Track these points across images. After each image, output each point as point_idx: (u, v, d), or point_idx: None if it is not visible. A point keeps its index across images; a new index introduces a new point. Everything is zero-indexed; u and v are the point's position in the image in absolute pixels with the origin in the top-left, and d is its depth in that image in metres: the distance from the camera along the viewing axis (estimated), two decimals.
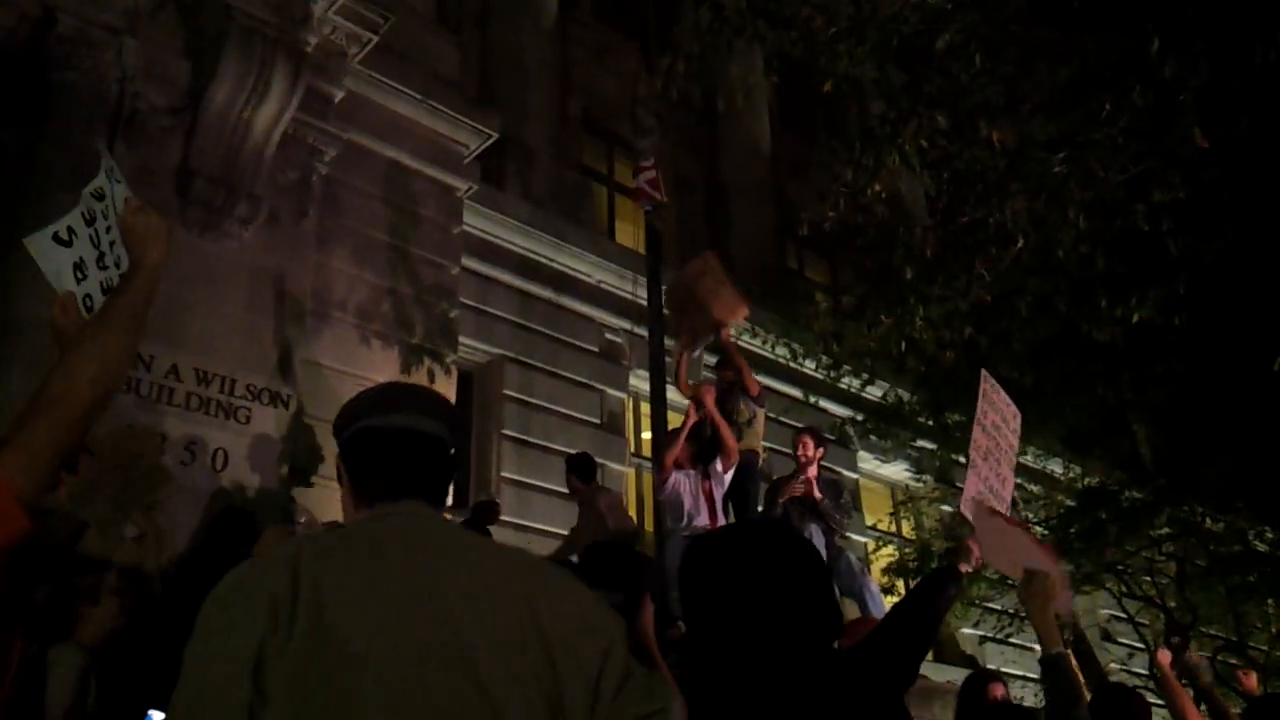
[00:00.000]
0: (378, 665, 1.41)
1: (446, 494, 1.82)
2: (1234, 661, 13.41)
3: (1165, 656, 5.18)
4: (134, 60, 8.05)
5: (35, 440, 1.60)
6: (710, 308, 7.40)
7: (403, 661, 1.43)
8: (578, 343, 12.26)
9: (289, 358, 8.59)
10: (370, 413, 1.85)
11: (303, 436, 8.59)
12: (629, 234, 13.82)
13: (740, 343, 11.01)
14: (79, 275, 2.34)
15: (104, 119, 7.87)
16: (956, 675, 12.00)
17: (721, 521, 7.30)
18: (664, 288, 8.77)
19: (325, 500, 8.28)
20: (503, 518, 9.40)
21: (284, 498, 7.97)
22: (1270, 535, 11.83)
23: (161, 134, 8.18)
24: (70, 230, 2.37)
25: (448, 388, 9.90)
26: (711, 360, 8.36)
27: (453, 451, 1.87)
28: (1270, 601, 12.46)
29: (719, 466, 7.33)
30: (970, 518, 4.52)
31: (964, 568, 3.97)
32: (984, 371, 4.87)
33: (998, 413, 4.78)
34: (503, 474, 10.79)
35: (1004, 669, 13.15)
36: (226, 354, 8.19)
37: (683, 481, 7.26)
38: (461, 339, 10.56)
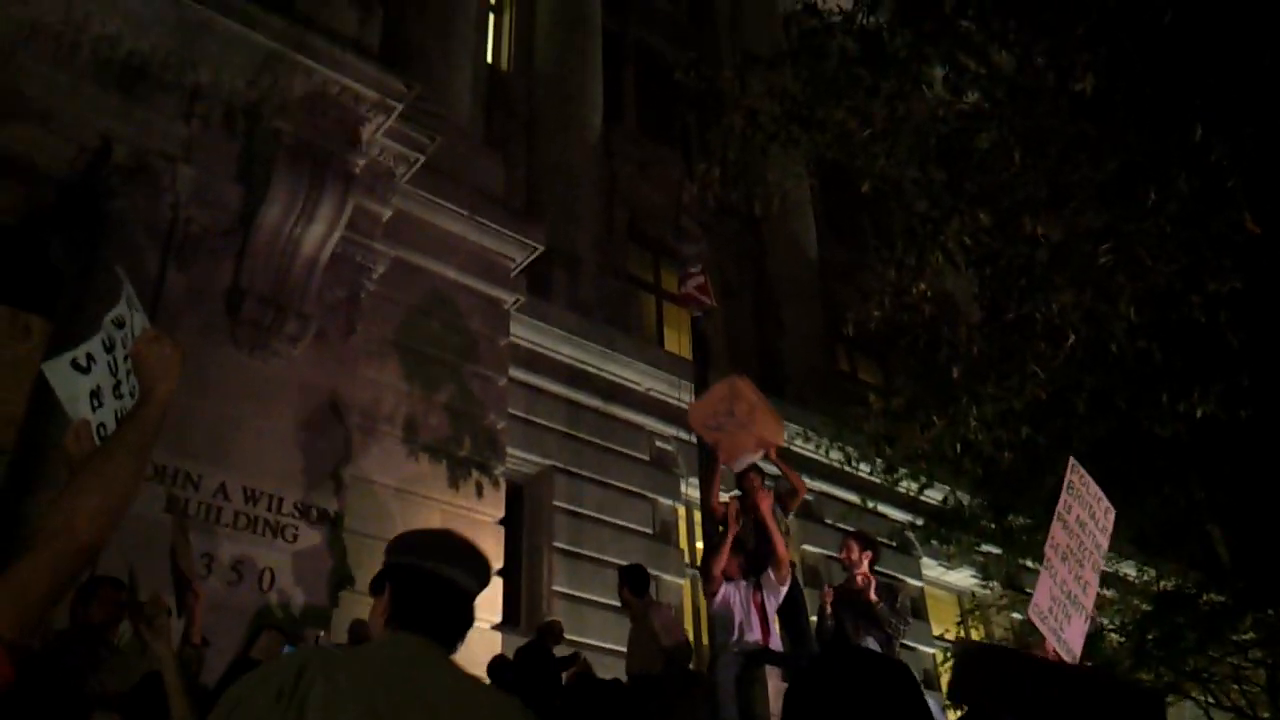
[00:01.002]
0: None
1: (462, 638, 2.08)
2: None
3: None
4: (186, 185, 8.31)
5: (28, 578, 1.53)
6: (752, 430, 7.27)
7: None
8: (628, 451, 12.15)
9: (336, 474, 8.61)
10: (431, 556, 2.13)
11: (349, 553, 8.53)
12: (676, 341, 13.82)
13: (793, 447, 10.84)
14: (95, 403, 2.32)
15: (157, 243, 8.11)
16: None
17: (774, 634, 7.04)
18: (690, 404, 8.65)
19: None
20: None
21: (328, 614, 7.87)
22: None
23: (213, 256, 8.39)
24: (89, 357, 2.35)
25: (496, 499, 9.83)
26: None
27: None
28: None
29: (772, 577, 7.09)
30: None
31: None
32: (1072, 460, 4.53)
33: (1084, 507, 4.47)
34: (554, 587, 10.60)
35: None
36: (274, 472, 8.22)
37: (733, 594, 7.03)
38: (510, 450, 10.52)
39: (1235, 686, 12.47)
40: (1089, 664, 6.70)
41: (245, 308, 8.38)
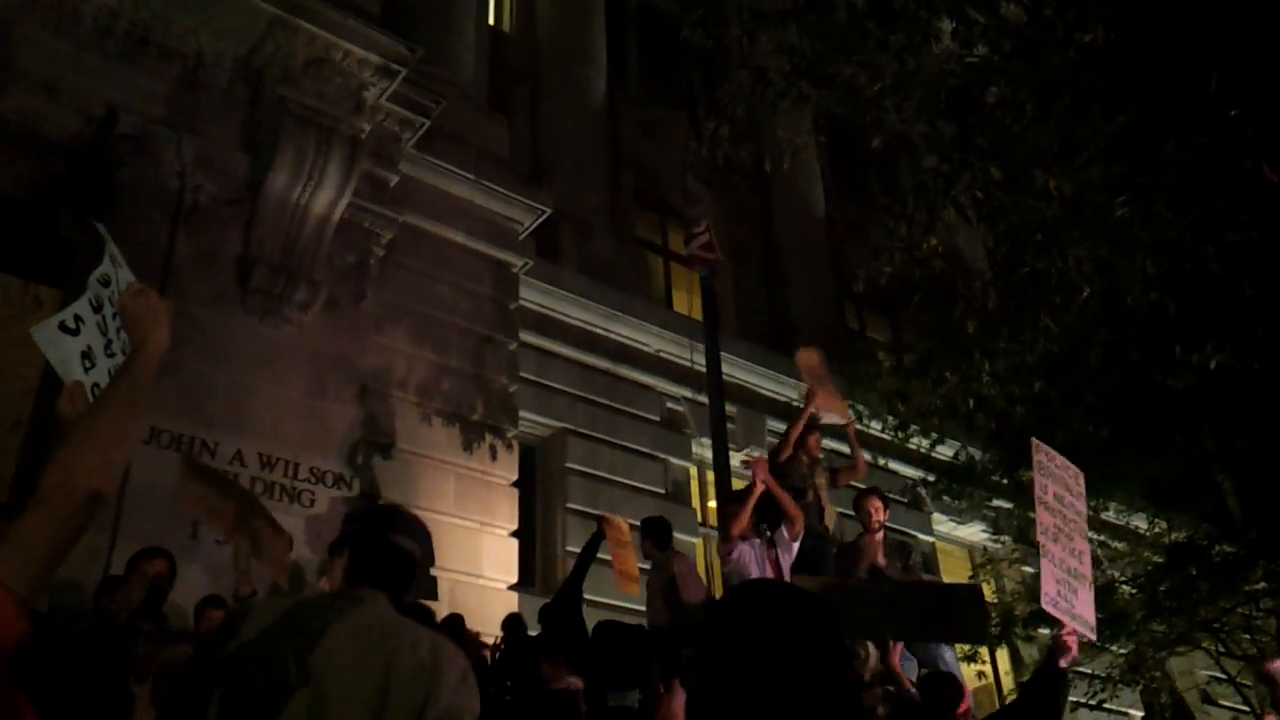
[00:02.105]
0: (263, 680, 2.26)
1: (408, 589, 2.60)
2: None
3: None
4: (192, 154, 8.29)
5: (31, 536, 1.53)
6: (838, 399, 7.71)
7: (273, 684, 2.25)
8: (639, 412, 12.18)
9: (351, 439, 8.65)
10: (383, 526, 2.63)
11: None
12: (685, 302, 13.80)
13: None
14: (87, 364, 2.31)
15: (165, 212, 8.10)
16: None
17: None
18: (803, 350, 8.78)
19: None
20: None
21: None
22: None
23: (221, 224, 8.39)
24: (78, 318, 2.34)
25: (509, 462, 9.88)
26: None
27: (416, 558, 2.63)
28: None
29: (785, 534, 7.12)
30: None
31: (1063, 664, 3.83)
32: (1034, 441, 4.57)
33: (1058, 482, 4.52)
34: (568, 548, 10.66)
35: None
36: (290, 438, 8.27)
37: (748, 551, 7.06)
38: (522, 413, 10.55)
39: (1246, 636, 12.54)
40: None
41: (255, 275, 8.39)
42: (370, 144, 9.11)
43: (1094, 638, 4.18)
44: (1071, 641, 3.96)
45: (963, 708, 4.89)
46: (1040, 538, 4.21)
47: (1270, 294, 6.92)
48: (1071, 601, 4.15)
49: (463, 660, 2.43)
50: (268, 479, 8.02)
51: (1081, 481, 4.60)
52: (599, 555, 8.07)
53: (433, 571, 8.87)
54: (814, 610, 1.51)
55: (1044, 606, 4.05)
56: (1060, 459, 4.59)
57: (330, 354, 8.80)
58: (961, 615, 5.78)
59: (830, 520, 7.98)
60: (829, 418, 7.91)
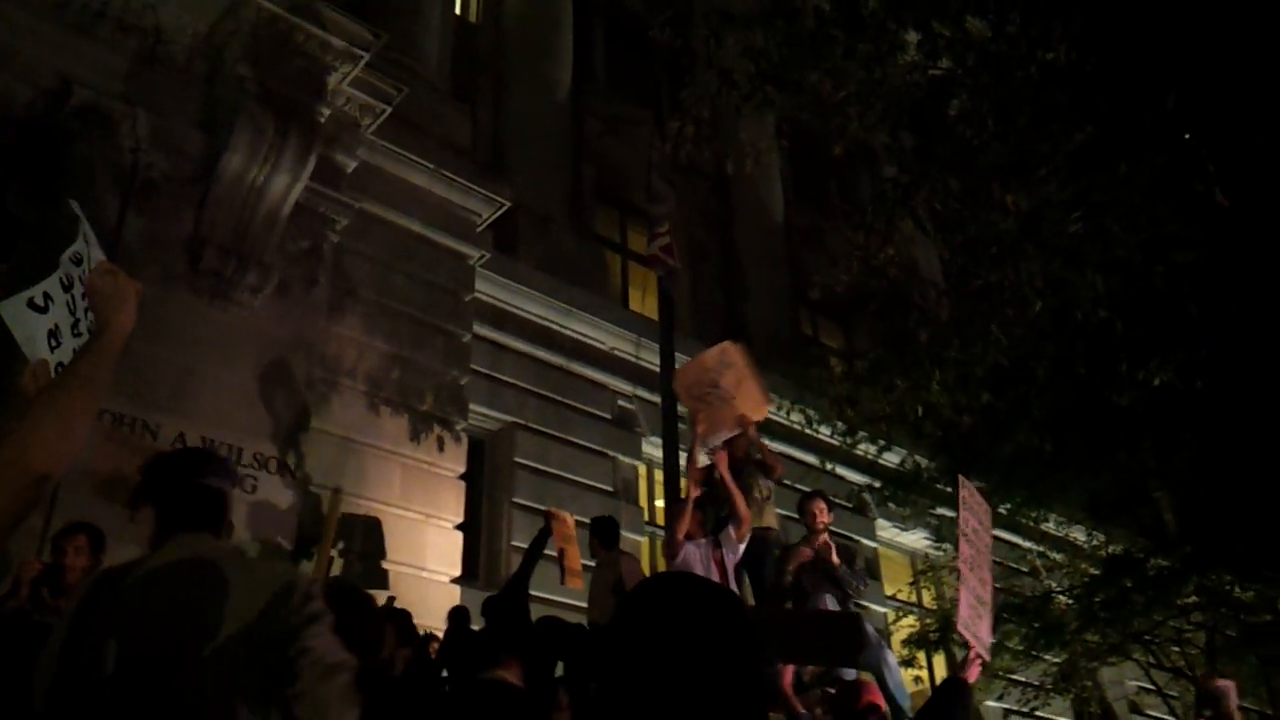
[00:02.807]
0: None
1: (222, 521, 2.48)
2: None
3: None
4: (148, 130, 8.13)
5: None
6: (735, 403, 7.17)
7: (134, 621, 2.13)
8: (591, 409, 12.15)
9: (297, 426, 8.53)
10: (189, 471, 2.51)
11: (310, 505, 8.49)
12: (641, 301, 13.80)
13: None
14: (53, 343, 2.27)
15: (117, 189, 7.93)
16: None
17: (733, 589, 7.10)
18: (678, 367, 8.59)
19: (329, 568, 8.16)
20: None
21: None
22: None
23: (173, 203, 8.23)
24: (46, 296, 2.29)
25: (457, 454, 9.81)
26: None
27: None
28: None
29: (732, 534, 7.14)
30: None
31: (969, 678, 4.02)
32: (960, 477, 4.92)
33: (976, 517, 4.84)
34: (513, 543, 10.62)
35: None
36: (234, 422, 8.13)
37: (693, 552, 7.06)
38: (473, 406, 10.49)
39: (1176, 648, 12.83)
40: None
41: (206, 257, 8.24)
42: (329, 128, 8.99)
43: (989, 659, 4.51)
44: (979, 662, 4.19)
45: (868, 701, 5.00)
46: (961, 565, 4.50)
47: (1215, 315, 7.08)
48: (978, 626, 4.44)
49: (317, 604, 2.26)
50: None
51: (990, 517, 4.94)
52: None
53: (377, 563, 8.81)
54: (723, 604, 1.51)
55: (958, 628, 4.34)
56: (979, 496, 4.91)
57: (280, 339, 8.67)
58: (840, 640, 6.03)
59: (770, 520, 7.97)
60: (716, 438, 7.38)
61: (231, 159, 8.28)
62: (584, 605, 8.06)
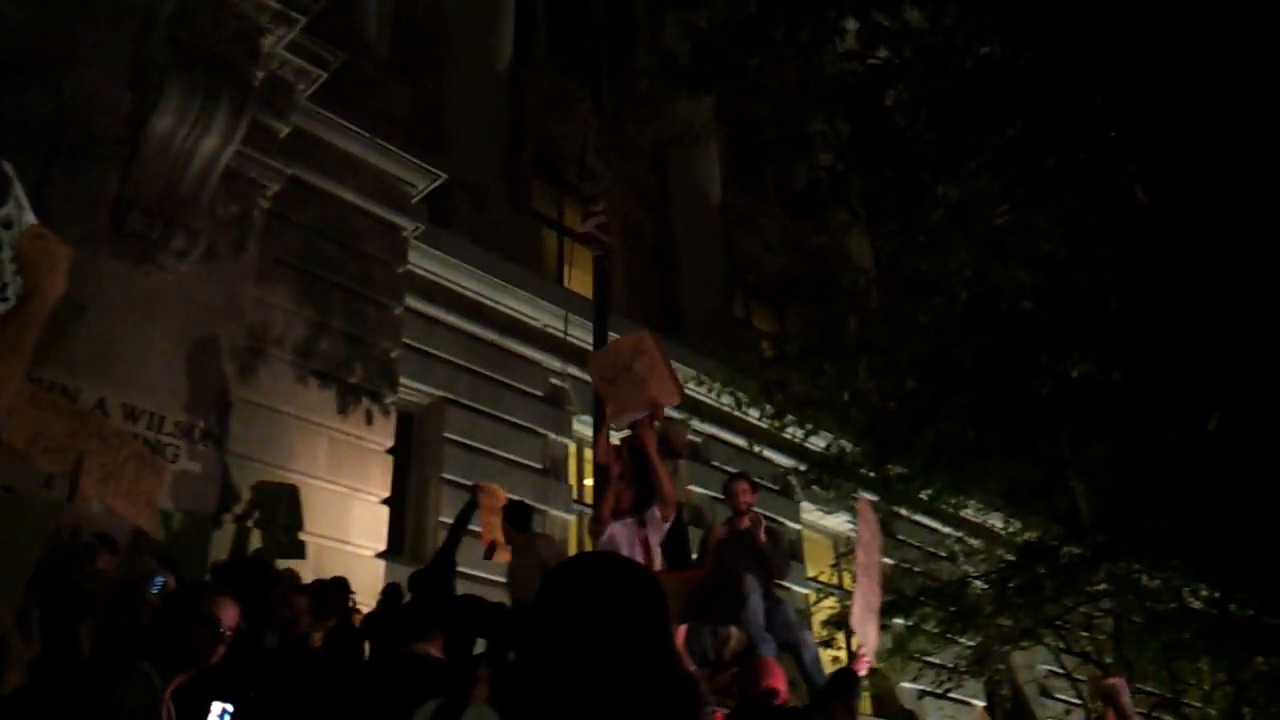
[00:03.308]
0: None
1: None
2: (1169, 718, 13.45)
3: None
4: (74, 87, 7.89)
5: None
6: (647, 387, 7.22)
7: None
8: (522, 386, 12.13)
9: (221, 395, 8.39)
10: None
11: (232, 475, 8.37)
12: (577, 279, 13.78)
13: (686, 389, 10.96)
14: None
15: (39, 146, 7.69)
16: None
17: (657, 568, 7.16)
18: (594, 352, 8.61)
19: (251, 540, 8.08)
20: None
21: (208, 536, 7.73)
22: (1205, 593, 11.90)
23: (99, 163, 8.02)
24: None
25: (386, 428, 9.74)
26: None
27: None
28: (1204, 659, 12.52)
29: (657, 514, 7.20)
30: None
31: (860, 672, 4.34)
32: (860, 494, 5.41)
33: (869, 529, 5.35)
34: (441, 518, 10.57)
35: None
36: (157, 389, 7.98)
37: (619, 530, 7.11)
38: (403, 380, 10.41)
39: (1085, 634, 13.23)
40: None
41: (131, 219, 8.05)
42: (263, 92, 8.81)
43: (874, 662, 5.03)
44: (866, 661, 4.67)
45: (766, 685, 5.15)
46: (857, 569, 4.92)
47: (1134, 310, 7.28)
48: (867, 629, 4.86)
49: None
50: (131, 431, 7.71)
51: (880, 533, 5.45)
52: (469, 526, 8.05)
53: (300, 536, 8.72)
54: (638, 583, 1.54)
55: (850, 623, 4.75)
56: (872, 512, 5.48)
57: (206, 305, 8.51)
58: (719, 600, 6.29)
59: (681, 494, 8.09)
60: (624, 419, 7.45)
61: (160, 119, 8.08)
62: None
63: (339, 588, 7.14)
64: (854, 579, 4.99)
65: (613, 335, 9.25)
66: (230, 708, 3.71)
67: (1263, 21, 5.92)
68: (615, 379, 7.11)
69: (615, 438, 7.97)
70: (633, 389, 7.07)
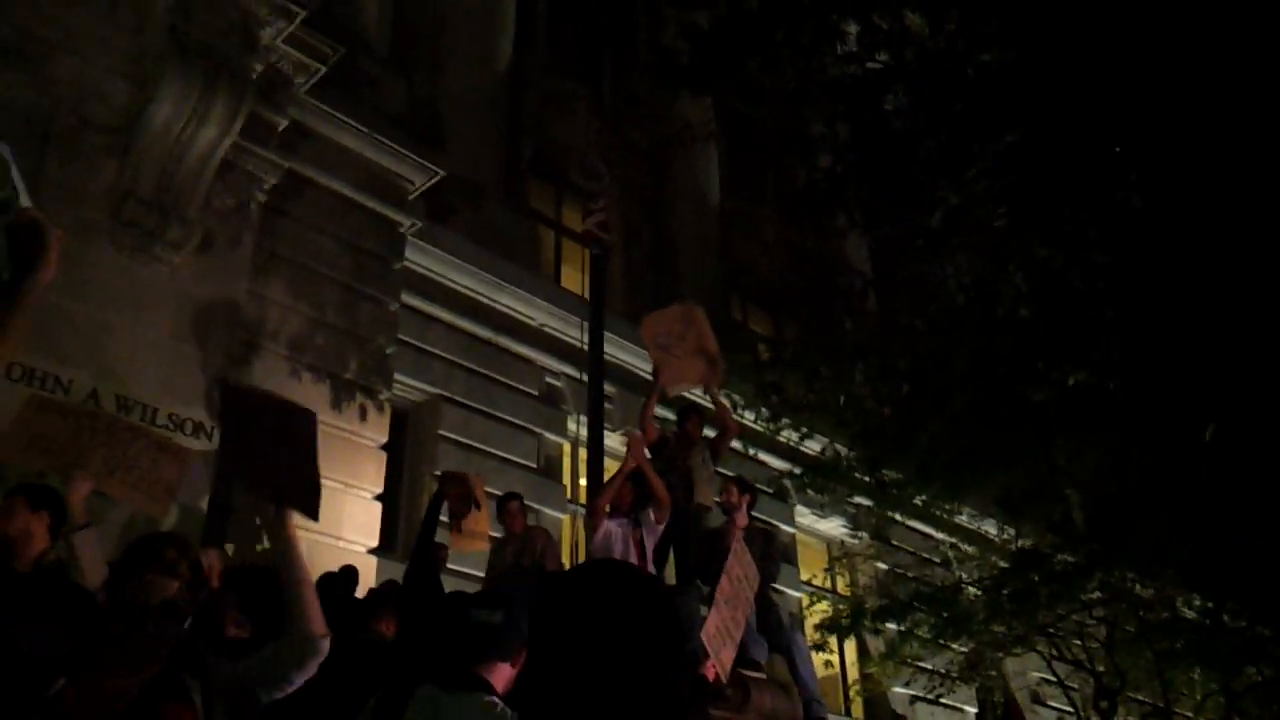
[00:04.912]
0: None
1: None
2: None
3: None
4: (71, 75, 7.86)
5: None
6: (700, 362, 7.28)
7: None
8: (517, 385, 12.10)
9: (215, 388, 8.35)
10: None
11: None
12: (574, 279, 13.71)
13: (680, 393, 10.96)
14: None
15: (35, 134, 7.66)
16: None
17: (650, 569, 7.15)
18: (647, 315, 8.59)
19: (241, 534, 8.05)
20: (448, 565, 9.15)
21: (198, 531, 7.69)
22: (1198, 603, 11.91)
23: (95, 153, 7.99)
24: None
25: (380, 424, 9.70)
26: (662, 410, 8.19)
27: None
28: (1196, 669, 12.52)
29: (652, 516, 7.19)
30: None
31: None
32: (737, 533, 6.14)
33: (744, 569, 5.78)
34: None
35: None
36: (150, 381, 7.94)
37: (615, 530, 7.11)
38: (397, 376, 10.38)
39: (1078, 641, 13.22)
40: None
41: (127, 209, 8.01)
42: (260, 84, 8.78)
43: (725, 680, 5.28)
44: (711, 673, 5.13)
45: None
46: (718, 595, 5.31)
47: (1130, 317, 7.26)
48: (722, 649, 5.24)
49: None
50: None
51: (756, 583, 5.86)
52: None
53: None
54: (646, 592, 1.51)
55: (701, 638, 5.03)
56: (750, 559, 5.85)
57: (201, 298, 8.47)
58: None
59: (705, 497, 8.04)
60: (679, 388, 7.59)
61: (158, 110, 8.05)
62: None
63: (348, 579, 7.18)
64: (714, 602, 5.37)
65: (610, 336, 9.23)
66: None
67: (1261, 27, 5.90)
68: (669, 346, 7.22)
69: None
70: (688, 360, 7.18)
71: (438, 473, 10.75)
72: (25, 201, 2.22)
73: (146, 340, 8.03)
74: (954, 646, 12.93)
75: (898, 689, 14.61)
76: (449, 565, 8.98)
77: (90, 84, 8.05)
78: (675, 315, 7.31)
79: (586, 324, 9.71)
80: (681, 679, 1.51)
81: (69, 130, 7.88)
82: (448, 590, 7.43)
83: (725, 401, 8.15)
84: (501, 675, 3.23)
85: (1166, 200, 6.61)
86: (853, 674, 15.17)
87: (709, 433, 8.31)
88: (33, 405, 5.58)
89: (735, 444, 12.92)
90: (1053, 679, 13.88)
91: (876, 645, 14.29)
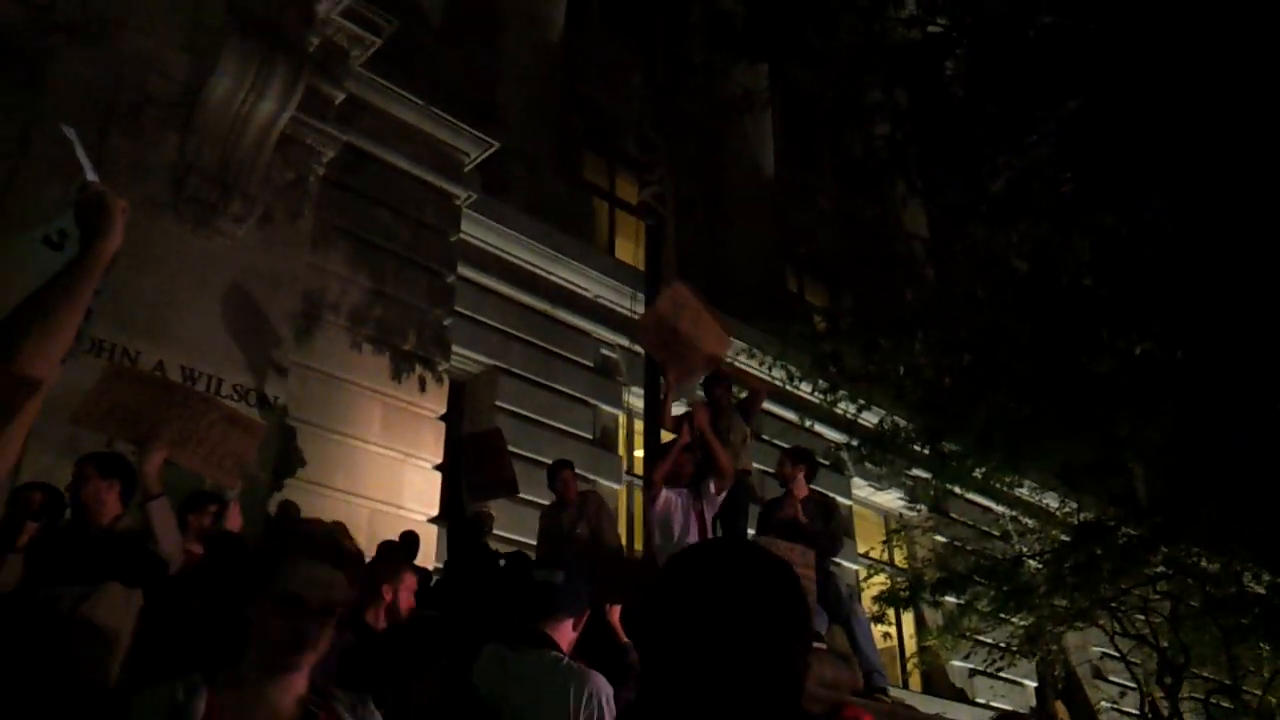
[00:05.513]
0: None
1: None
2: (1227, 704, 13.22)
3: None
4: (132, 51, 7.98)
5: None
6: (699, 344, 7.10)
7: None
8: (573, 357, 12.14)
9: (277, 359, 8.49)
10: None
11: (288, 439, 8.47)
12: (628, 250, 13.73)
13: (737, 363, 10.90)
14: None
15: (98, 110, 7.79)
16: (944, 708, 11.85)
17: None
18: (637, 321, 8.57)
19: (306, 503, 8.17)
20: (494, 531, 9.25)
21: (264, 500, 7.84)
22: (1267, 578, 11.66)
23: (157, 127, 8.11)
24: (62, 233, 2.25)
25: (438, 395, 9.80)
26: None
27: None
28: (1264, 645, 12.27)
29: (712, 487, 7.17)
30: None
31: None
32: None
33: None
34: None
35: (993, 703, 12.98)
36: (214, 352, 8.08)
37: (674, 500, 7.10)
38: (455, 348, 10.46)
39: (1140, 616, 13.03)
40: None
41: (190, 183, 8.13)
42: (318, 58, 8.84)
43: None
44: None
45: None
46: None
47: (1196, 286, 7.07)
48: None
49: None
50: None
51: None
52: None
53: (354, 501, 8.81)
54: (775, 572, 1.49)
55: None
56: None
57: (263, 270, 8.59)
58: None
59: (744, 462, 7.98)
60: (691, 383, 7.36)
61: (218, 84, 8.14)
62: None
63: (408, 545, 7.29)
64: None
65: (638, 326, 9.17)
66: None
67: None
68: (667, 344, 7.06)
69: (676, 408, 7.93)
70: (688, 351, 7.03)
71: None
72: (92, 176, 2.26)
73: (211, 311, 8.16)
74: (1014, 620, 12.80)
75: (957, 662, 14.52)
76: (505, 534, 9.08)
77: (152, 59, 8.16)
78: (663, 310, 7.10)
79: (641, 295, 9.70)
80: (804, 660, 1.49)
81: (132, 106, 8.00)
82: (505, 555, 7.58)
83: (745, 371, 8.03)
84: (565, 633, 3.30)
85: (1234, 166, 6.40)
86: (910, 646, 15.10)
87: (739, 393, 8.21)
88: (111, 374, 5.66)
89: (792, 416, 12.94)
90: (1115, 654, 13.71)
91: (935, 618, 14.20)
